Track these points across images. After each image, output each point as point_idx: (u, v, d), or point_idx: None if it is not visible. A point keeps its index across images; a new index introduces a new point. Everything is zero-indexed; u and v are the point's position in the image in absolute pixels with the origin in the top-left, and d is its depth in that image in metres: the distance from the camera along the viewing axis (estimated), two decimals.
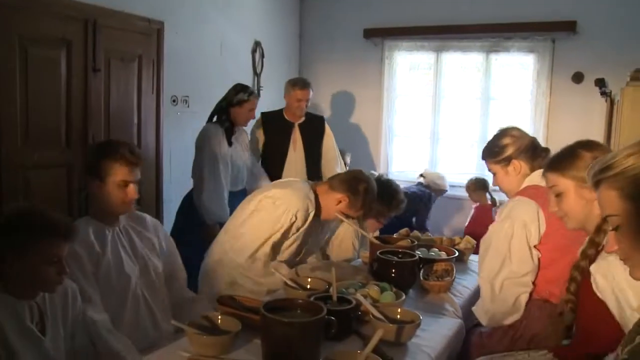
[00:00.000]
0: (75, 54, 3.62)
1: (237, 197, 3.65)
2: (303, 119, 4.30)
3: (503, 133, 2.46)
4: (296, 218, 2.59)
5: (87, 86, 3.73)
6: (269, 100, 5.73)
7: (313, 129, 4.35)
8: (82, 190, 3.72)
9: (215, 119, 3.91)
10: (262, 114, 4.43)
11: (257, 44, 5.62)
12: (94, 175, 2.23)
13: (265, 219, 2.60)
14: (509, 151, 2.40)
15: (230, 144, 3.84)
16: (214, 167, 3.74)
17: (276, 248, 2.65)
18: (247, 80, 5.59)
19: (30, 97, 3.39)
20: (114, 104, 3.95)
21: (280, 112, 4.41)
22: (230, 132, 3.85)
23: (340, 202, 2.66)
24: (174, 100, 4.69)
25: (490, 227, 2.30)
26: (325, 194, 2.70)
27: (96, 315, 2.03)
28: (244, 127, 4.06)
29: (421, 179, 5.50)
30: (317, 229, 2.81)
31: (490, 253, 2.24)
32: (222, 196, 3.75)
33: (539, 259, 2.17)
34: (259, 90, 5.66)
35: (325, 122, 4.48)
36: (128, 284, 2.25)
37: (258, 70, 5.65)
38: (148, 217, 2.51)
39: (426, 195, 5.31)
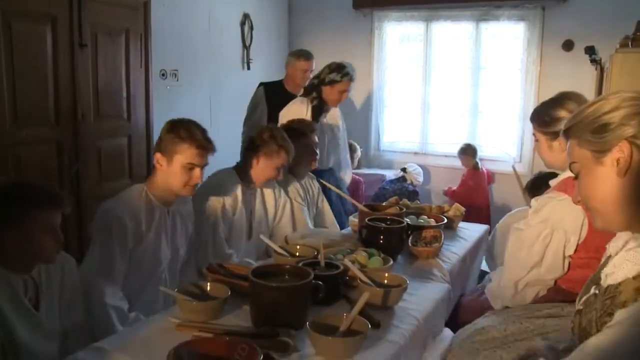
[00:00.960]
0: (60, 29, 3.59)
1: (327, 175, 3.73)
2: (302, 90, 4.23)
3: (560, 103, 2.17)
4: (223, 199, 2.70)
5: (74, 62, 3.71)
6: (259, 72, 5.73)
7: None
8: (73, 166, 3.73)
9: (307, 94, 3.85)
10: (264, 85, 4.42)
11: (246, 17, 5.58)
12: (162, 151, 2.25)
13: (209, 214, 2.67)
14: (560, 126, 2.22)
15: (316, 121, 3.71)
16: None
17: (233, 233, 2.77)
18: (236, 53, 5.56)
19: (16, 73, 3.36)
20: (102, 79, 3.93)
21: (279, 83, 4.43)
22: (318, 111, 3.77)
23: (258, 160, 2.77)
24: (163, 74, 4.67)
25: (526, 225, 2.14)
26: (247, 163, 2.81)
27: (114, 300, 2.06)
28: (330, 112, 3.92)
29: (402, 174, 5.58)
30: (263, 197, 2.97)
31: (522, 255, 2.12)
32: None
33: (569, 263, 2.05)
34: (248, 63, 5.63)
35: None
36: (157, 268, 2.30)
37: (247, 43, 5.62)
38: (191, 203, 2.55)
39: (412, 192, 5.41)
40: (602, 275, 1.26)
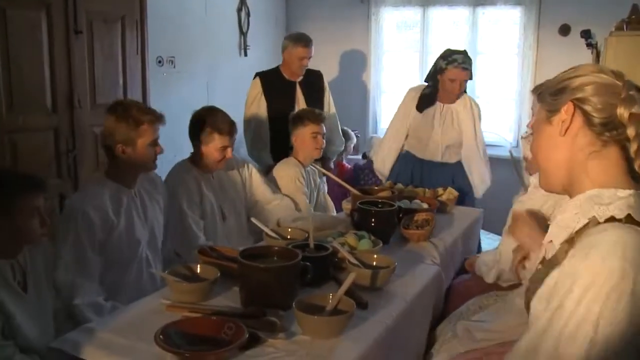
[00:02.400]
0: (55, 16, 3.59)
1: (450, 170, 3.73)
2: (301, 76, 4.09)
3: None
4: (184, 194, 2.73)
5: (70, 49, 3.71)
6: (256, 59, 5.73)
7: (313, 85, 4.13)
8: (70, 153, 3.75)
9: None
10: (259, 75, 4.12)
11: (243, 2, 5.56)
12: (122, 142, 2.27)
13: (172, 206, 2.73)
14: None
15: (420, 110, 3.60)
16: (390, 130, 3.81)
17: (204, 220, 2.82)
18: (233, 39, 5.56)
19: (12, 61, 3.36)
20: (98, 66, 3.93)
21: (276, 70, 4.12)
22: (425, 99, 3.57)
23: (199, 146, 2.83)
24: (159, 61, 4.68)
25: (528, 198, 2.18)
26: (195, 151, 2.88)
27: (86, 298, 2.08)
28: (454, 104, 3.64)
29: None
30: (229, 179, 3.03)
31: None
32: (386, 156, 3.78)
33: None
34: (245, 49, 5.63)
35: (323, 77, 4.28)
36: (137, 248, 2.33)
37: (244, 29, 5.61)
38: (158, 178, 2.60)
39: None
40: (545, 252, 1.31)
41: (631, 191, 1.16)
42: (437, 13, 5.73)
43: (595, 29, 4.53)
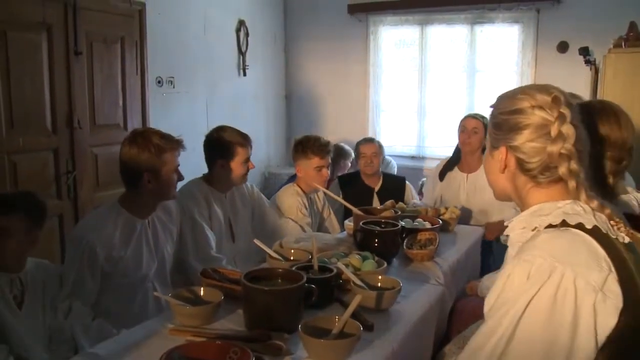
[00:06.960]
0: (56, 37, 3.61)
1: None
2: (380, 183, 3.97)
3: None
4: (195, 206, 2.74)
5: (70, 70, 3.73)
6: (255, 78, 5.74)
7: (391, 195, 3.72)
8: (70, 174, 3.74)
9: None
10: (339, 178, 4.07)
11: (241, 23, 5.60)
12: (149, 171, 2.25)
13: (184, 221, 2.73)
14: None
15: (441, 177, 3.75)
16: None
17: (218, 239, 2.83)
18: (232, 59, 5.58)
19: (12, 82, 3.39)
20: (98, 86, 3.95)
21: (358, 174, 4.06)
22: (448, 165, 3.77)
23: (222, 163, 2.80)
24: (159, 82, 4.68)
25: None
26: (214, 169, 2.85)
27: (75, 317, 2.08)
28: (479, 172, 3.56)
29: None
30: (241, 200, 3.02)
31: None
32: None
33: None
34: (244, 69, 5.65)
35: (407, 185, 4.10)
36: (143, 279, 2.32)
37: (243, 49, 5.64)
38: (173, 207, 2.58)
39: None
40: None
41: (570, 200, 1.22)
42: (435, 31, 5.76)
43: (593, 46, 4.55)
